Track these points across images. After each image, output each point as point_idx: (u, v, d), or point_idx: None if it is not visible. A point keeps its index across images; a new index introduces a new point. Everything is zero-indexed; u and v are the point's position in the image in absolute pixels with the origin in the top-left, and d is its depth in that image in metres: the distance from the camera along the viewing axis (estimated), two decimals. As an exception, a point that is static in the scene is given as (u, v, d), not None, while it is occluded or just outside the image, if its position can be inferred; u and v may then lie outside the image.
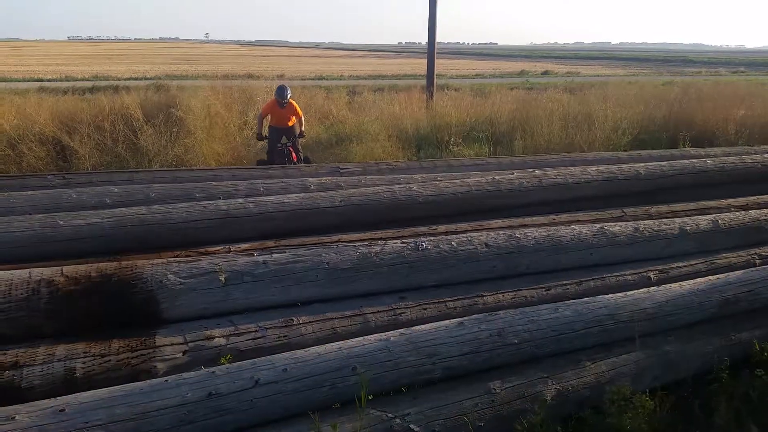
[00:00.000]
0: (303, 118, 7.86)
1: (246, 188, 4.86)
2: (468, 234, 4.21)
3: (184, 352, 2.99)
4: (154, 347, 2.98)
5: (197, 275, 3.26)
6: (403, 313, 3.53)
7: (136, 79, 21.25)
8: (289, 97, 7.44)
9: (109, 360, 2.87)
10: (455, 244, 3.93)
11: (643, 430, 2.93)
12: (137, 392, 2.51)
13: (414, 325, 3.29)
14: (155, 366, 2.91)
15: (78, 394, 2.49)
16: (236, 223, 4.18)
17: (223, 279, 3.26)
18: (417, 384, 3.01)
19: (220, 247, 3.95)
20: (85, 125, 8.13)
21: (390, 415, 2.78)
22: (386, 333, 3.14)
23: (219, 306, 3.26)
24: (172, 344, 3.01)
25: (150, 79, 20.46)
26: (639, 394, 3.10)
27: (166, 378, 2.64)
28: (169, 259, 3.52)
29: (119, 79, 20.57)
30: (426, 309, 3.58)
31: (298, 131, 7.68)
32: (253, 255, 3.56)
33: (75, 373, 2.78)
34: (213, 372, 2.67)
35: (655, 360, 3.41)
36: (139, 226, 4.00)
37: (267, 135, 7.58)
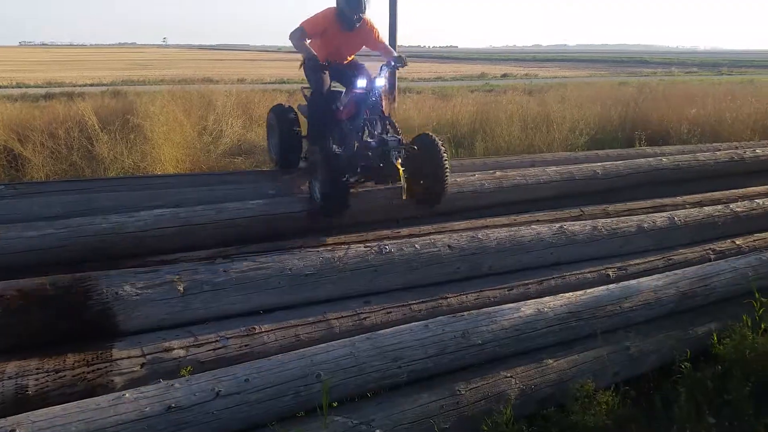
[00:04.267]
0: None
1: (206, 194, 4.78)
2: (431, 236, 4.23)
3: (142, 365, 2.92)
4: (110, 361, 2.89)
5: (155, 285, 3.19)
6: (368, 317, 3.52)
7: (91, 85, 20.73)
8: (367, 10, 4.69)
9: (64, 375, 2.78)
10: (419, 247, 3.94)
11: (606, 425, 2.97)
12: (93, 408, 2.43)
13: (379, 330, 3.28)
14: (112, 380, 2.83)
15: (30, 412, 2.39)
16: (195, 231, 4.10)
17: (181, 289, 3.19)
18: (383, 388, 3.00)
19: (178, 256, 3.86)
20: (39, 133, 7.86)
21: (355, 421, 2.75)
22: (351, 338, 3.12)
23: (178, 316, 3.19)
24: (129, 357, 2.93)
25: (106, 85, 20.01)
26: (602, 390, 3.15)
27: (123, 392, 2.56)
28: (126, 270, 3.43)
29: (74, 86, 20.05)
30: (391, 313, 3.57)
31: (385, 74, 4.57)
32: (213, 263, 3.50)
33: (27, 391, 2.68)
34: (172, 384, 2.60)
35: (616, 356, 3.46)
36: (94, 236, 3.89)
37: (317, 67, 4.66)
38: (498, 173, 5.48)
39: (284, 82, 23.27)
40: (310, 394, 2.75)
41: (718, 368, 3.43)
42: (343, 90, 4.98)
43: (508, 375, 3.17)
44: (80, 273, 3.26)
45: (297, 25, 4.81)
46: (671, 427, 3.01)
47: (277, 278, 3.44)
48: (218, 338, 3.10)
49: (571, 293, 3.72)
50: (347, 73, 4.99)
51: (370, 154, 4.26)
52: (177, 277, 3.25)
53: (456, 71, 36.60)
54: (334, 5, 4.84)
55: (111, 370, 2.84)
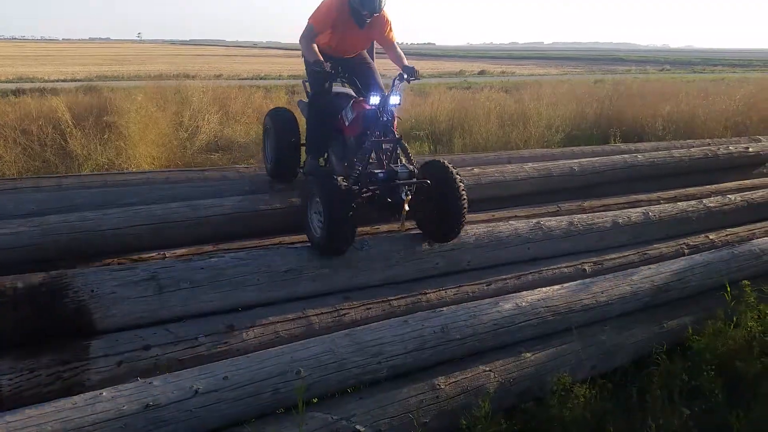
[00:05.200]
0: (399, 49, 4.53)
1: (181, 192, 4.73)
2: (410, 233, 4.23)
3: (119, 363, 2.88)
4: (87, 359, 2.85)
5: (131, 283, 3.14)
6: (347, 313, 3.52)
7: (64, 80, 20.34)
8: (384, 4, 4.22)
9: (39, 375, 2.73)
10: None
11: (583, 418, 3.01)
12: (70, 407, 2.40)
13: (359, 325, 3.29)
14: (89, 379, 2.79)
15: (4, 413, 2.36)
16: (172, 228, 4.05)
17: (158, 286, 3.15)
18: (363, 384, 3.01)
19: (155, 254, 3.82)
20: (10, 129, 7.73)
21: (335, 416, 2.76)
22: (330, 335, 3.12)
23: (155, 314, 3.15)
24: (106, 355, 2.89)
25: (80, 80, 19.63)
26: (578, 383, 3.19)
27: (100, 391, 2.53)
28: (102, 268, 3.39)
29: (46, 81, 19.65)
30: (370, 308, 3.57)
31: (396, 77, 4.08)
32: (190, 260, 3.46)
33: (1, 391, 2.63)
34: (150, 383, 2.58)
35: (592, 349, 3.51)
36: (69, 234, 3.82)
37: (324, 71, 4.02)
38: (476, 170, 5.51)
39: (262, 78, 23.10)
40: (289, 391, 2.74)
41: (692, 361, 3.49)
42: (348, 92, 4.48)
43: (487, 369, 3.19)
44: (55, 271, 3.20)
45: (306, 24, 4.33)
46: (646, 418, 3.06)
47: (256, 275, 3.42)
48: (196, 336, 3.07)
49: (548, 288, 3.76)
50: (353, 67, 4.52)
51: (377, 187, 3.65)
52: (153, 274, 3.21)
53: (434, 68, 36.67)
54: None
55: (88, 369, 2.80)
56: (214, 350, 3.05)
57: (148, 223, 4.01)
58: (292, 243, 4.07)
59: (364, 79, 4.45)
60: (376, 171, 3.61)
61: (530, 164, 5.92)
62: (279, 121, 4.84)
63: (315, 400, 2.87)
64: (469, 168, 5.71)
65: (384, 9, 4.26)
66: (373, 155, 3.77)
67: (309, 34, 4.27)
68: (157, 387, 2.54)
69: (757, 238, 5.05)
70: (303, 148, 4.78)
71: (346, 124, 4.12)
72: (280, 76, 26.17)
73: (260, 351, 2.90)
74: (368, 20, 4.23)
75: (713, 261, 4.36)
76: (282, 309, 3.42)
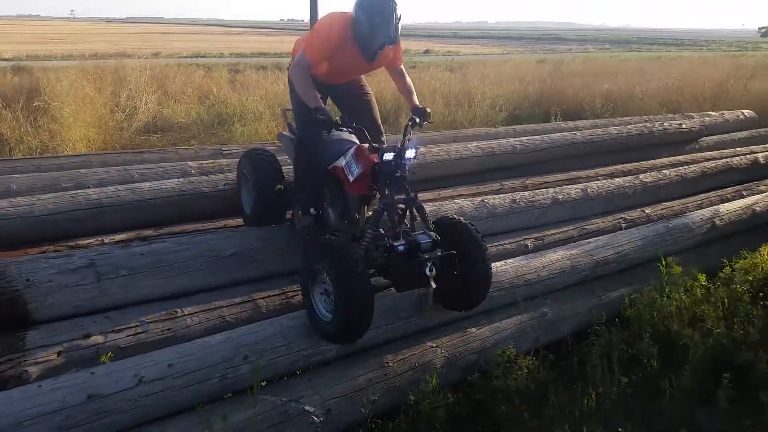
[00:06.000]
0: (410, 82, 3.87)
1: (119, 175, 4.58)
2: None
3: (59, 353, 2.79)
4: (24, 350, 2.75)
5: (68, 271, 3.04)
6: (296, 295, 3.50)
7: (-9, 60, 19.30)
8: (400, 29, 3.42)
9: (-29, 369, 2.62)
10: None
11: (527, 388, 3.11)
12: (6, 401, 2.32)
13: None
14: (26, 371, 2.69)
15: (-66, 410, 2.26)
16: (109, 213, 3.93)
17: (97, 273, 3.06)
18: (312, 365, 3.01)
19: (92, 240, 3.70)
20: (-68, 112, 7.30)
21: (284, 399, 2.76)
22: (278, 317, 3.11)
23: (95, 302, 3.07)
24: (44, 346, 2.80)
25: (8, 60, 18.66)
26: (522, 355, 3.29)
27: (39, 383, 2.46)
28: (37, 255, 3.27)
29: (-31, 60, 18.59)
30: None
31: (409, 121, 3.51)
32: (129, 246, 3.37)
33: (-71, 388, 2.51)
34: (92, 373, 2.51)
35: (535, 322, 3.61)
36: (0, 220, 3.66)
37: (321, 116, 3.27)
38: (422, 149, 5.53)
39: (202, 57, 22.48)
40: (238, 376, 2.73)
41: (630, 331, 3.64)
42: (346, 137, 3.59)
43: (434, 345, 3.25)
44: (-15, 260, 3.06)
45: (299, 54, 3.46)
46: (587, 387, 3.18)
47: (199, 259, 3.36)
48: (138, 323, 3.00)
49: (492, 264, 3.83)
50: (346, 97, 3.89)
51: (395, 261, 2.98)
52: (91, 261, 3.11)
53: (379, 47, 36.46)
54: (350, 13, 3.39)
55: (25, 361, 2.70)
56: (158, 337, 2.98)
57: (84, 208, 3.88)
58: (237, 226, 4.02)
59: (361, 114, 3.78)
60: (395, 243, 2.94)
61: (474, 143, 5.99)
62: (259, 167, 3.92)
63: (263, 383, 2.86)
64: (414, 147, 5.73)
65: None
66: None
67: (303, 69, 3.41)
68: (99, 377, 2.48)
69: (691, 211, 5.28)
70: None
71: (350, 178, 3.25)
72: (221, 54, 25.56)
73: (206, 337, 2.85)
74: (380, 51, 3.45)
75: (649, 234, 4.54)
76: (228, 293, 3.38)
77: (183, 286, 3.31)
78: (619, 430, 2.92)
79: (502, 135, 7.00)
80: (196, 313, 3.15)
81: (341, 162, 3.32)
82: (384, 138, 3.80)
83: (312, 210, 3.57)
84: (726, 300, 3.87)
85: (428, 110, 3.62)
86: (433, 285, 2.94)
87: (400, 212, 3.14)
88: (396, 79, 3.84)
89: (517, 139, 6.40)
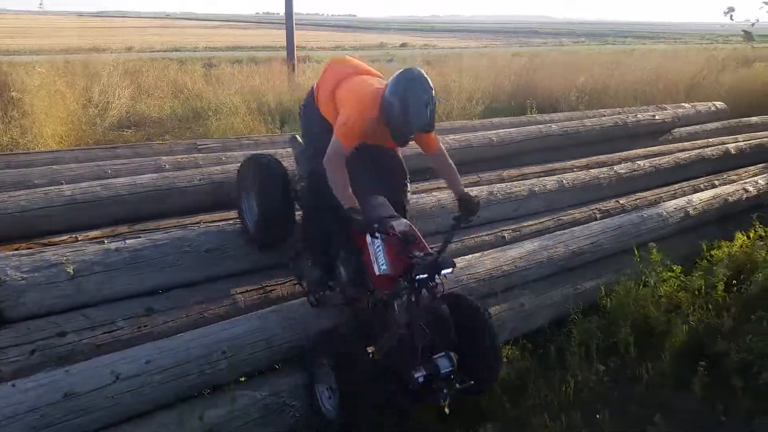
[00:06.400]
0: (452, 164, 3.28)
1: (92, 171, 4.50)
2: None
3: (33, 352, 2.74)
4: (-4, 351, 2.70)
5: (42, 269, 2.99)
6: (274, 290, 3.49)
7: (-44, 54, 18.81)
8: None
9: (-59, 371, 2.57)
10: (322, 217, 3.92)
11: (507, 376, 3.15)
12: (-23, 403, 2.27)
13: (286, 301, 3.27)
14: (0, 370, 2.65)
15: None
16: (83, 210, 3.85)
17: (71, 271, 3.01)
18: (293, 359, 3.00)
19: (66, 237, 3.63)
20: None
21: (264, 393, 2.75)
22: (257, 312, 3.09)
23: (69, 300, 3.02)
24: (17, 345, 2.75)
25: (-27, 54, 18.20)
26: (501, 344, 3.31)
27: (12, 382, 2.42)
28: (9, 254, 3.19)
29: (-67, 55, 18.10)
30: (298, 284, 3.55)
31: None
32: (103, 242, 3.32)
33: None
34: (67, 371, 2.48)
35: (512, 313, 3.64)
36: (-30, 219, 3.58)
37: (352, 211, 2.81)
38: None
39: (176, 50, 22.16)
40: (216, 371, 2.71)
41: (607, 319, 3.69)
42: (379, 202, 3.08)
43: (413, 337, 3.24)
44: (-46, 259, 2.99)
45: (335, 143, 2.94)
46: (565, 375, 3.22)
47: (175, 256, 3.32)
48: (114, 320, 2.96)
49: (470, 255, 3.86)
50: (371, 157, 3.25)
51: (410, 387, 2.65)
52: (65, 259, 3.06)
53: (355, 41, 36.36)
54: (379, 89, 3.00)
55: (-3, 361, 2.66)
56: (135, 334, 2.95)
57: (57, 205, 3.81)
58: (213, 221, 3.98)
59: (388, 168, 3.35)
60: (414, 375, 2.60)
61: (451, 136, 6.01)
62: (265, 176, 3.48)
63: (242, 379, 2.85)
64: (391, 140, 5.73)
65: None
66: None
67: (340, 160, 2.92)
68: (75, 374, 2.46)
69: (665, 201, 5.36)
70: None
71: (376, 271, 2.82)
72: (195, 48, 25.25)
73: (184, 333, 2.83)
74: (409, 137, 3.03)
75: (623, 224, 4.59)
76: (205, 289, 3.35)
77: (159, 283, 3.27)
78: (597, 416, 2.96)
79: (479, 128, 7.03)
80: (172, 309, 3.13)
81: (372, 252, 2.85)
82: (409, 193, 3.45)
83: (321, 264, 3.15)
84: (703, 287, 3.94)
85: (478, 200, 3.11)
86: (447, 411, 2.65)
87: (424, 326, 2.69)
88: (432, 159, 3.27)
89: (493, 131, 6.43)
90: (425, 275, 2.64)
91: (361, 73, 3.27)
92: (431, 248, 2.83)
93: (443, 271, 2.71)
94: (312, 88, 3.41)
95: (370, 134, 3.01)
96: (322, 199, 3.03)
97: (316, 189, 3.10)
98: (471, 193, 3.14)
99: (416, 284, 2.65)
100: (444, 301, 2.79)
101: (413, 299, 2.68)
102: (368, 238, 2.84)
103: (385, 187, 3.21)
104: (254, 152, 3.80)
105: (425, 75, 2.88)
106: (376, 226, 2.75)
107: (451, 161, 3.24)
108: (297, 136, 3.64)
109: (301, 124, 3.48)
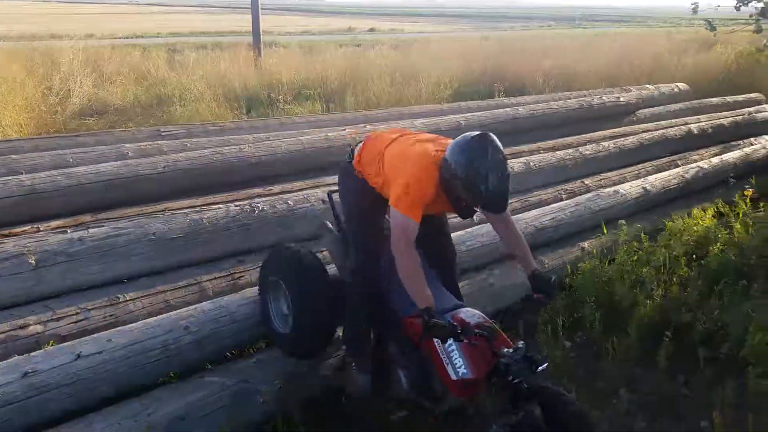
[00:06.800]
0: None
1: (53, 160, 4.40)
2: (304, 192, 4.21)
3: (-4, 344, 2.69)
4: (-44, 344, 2.65)
5: (2, 260, 2.94)
6: (242, 276, 3.47)
7: None
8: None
9: None
10: (292, 203, 3.92)
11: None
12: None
13: (255, 287, 3.25)
14: (-40, 364, 2.59)
15: None
16: (43, 199, 3.78)
17: (33, 261, 2.96)
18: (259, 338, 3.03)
19: (27, 227, 3.55)
20: None
21: (232, 381, 2.73)
22: (224, 297, 3.07)
23: (32, 291, 2.97)
24: (-22, 338, 2.70)
25: None
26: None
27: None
28: (-33, 246, 3.12)
29: None
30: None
31: None
32: (66, 232, 3.26)
33: None
34: (29, 355, 2.46)
35: (481, 292, 3.68)
36: (-75, 210, 3.48)
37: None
38: (368, 126, 5.53)
39: (139, 37, 21.65)
40: (180, 347, 2.69)
41: (573, 296, 3.76)
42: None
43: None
44: None
45: (403, 219, 2.43)
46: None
47: (140, 244, 3.28)
48: (79, 310, 2.93)
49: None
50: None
51: None
52: (27, 249, 3.00)
53: (323, 25, 36.00)
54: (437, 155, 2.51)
55: (-42, 354, 2.60)
56: (101, 323, 2.92)
57: (17, 195, 3.73)
58: (180, 209, 3.93)
59: (436, 239, 2.88)
60: None
61: (420, 120, 6.02)
62: (300, 273, 2.84)
63: (209, 366, 2.84)
64: (361, 125, 5.73)
65: None
66: None
67: (408, 239, 2.44)
68: (37, 357, 2.45)
69: (628, 181, 5.46)
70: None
71: (452, 376, 2.35)
72: (159, 34, 24.72)
73: (148, 319, 2.81)
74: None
75: (583, 202, 4.70)
76: (172, 277, 3.33)
77: (125, 272, 3.24)
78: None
79: (447, 111, 7.05)
80: (139, 298, 3.10)
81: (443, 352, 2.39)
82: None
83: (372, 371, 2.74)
84: (667, 262, 4.03)
85: (555, 279, 2.68)
86: None
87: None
88: (497, 226, 2.73)
89: (461, 115, 6.46)
90: (522, 377, 2.22)
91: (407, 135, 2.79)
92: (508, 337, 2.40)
93: (539, 368, 2.26)
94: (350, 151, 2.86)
95: (430, 204, 2.52)
96: (373, 300, 2.68)
97: (365, 286, 2.69)
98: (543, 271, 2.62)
99: (512, 387, 2.23)
100: (536, 402, 2.24)
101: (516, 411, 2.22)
102: (443, 353, 2.38)
103: (432, 266, 2.77)
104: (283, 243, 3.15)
105: (497, 141, 2.48)
106: (459, 330, 2.26)
107: (517, 227, 2.75)
108: (327, 222, 3.09)
109: (339, 190, 2.96)
